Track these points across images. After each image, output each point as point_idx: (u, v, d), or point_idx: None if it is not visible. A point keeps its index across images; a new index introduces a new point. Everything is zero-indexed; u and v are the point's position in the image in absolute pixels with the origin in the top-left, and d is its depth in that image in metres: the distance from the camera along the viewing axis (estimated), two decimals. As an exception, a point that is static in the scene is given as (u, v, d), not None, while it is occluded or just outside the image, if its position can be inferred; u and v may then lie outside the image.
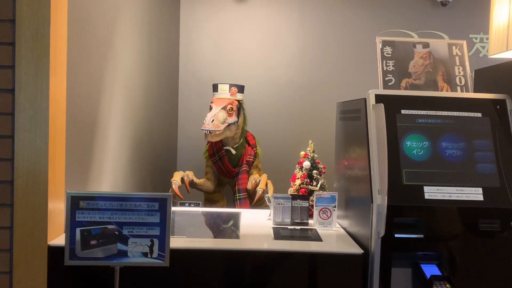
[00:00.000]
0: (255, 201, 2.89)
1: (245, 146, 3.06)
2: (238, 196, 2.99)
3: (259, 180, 2.95)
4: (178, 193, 2.77)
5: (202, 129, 2.74)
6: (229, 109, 2.82)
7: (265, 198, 2.35)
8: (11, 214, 1.67)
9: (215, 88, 2.94)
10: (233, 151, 2.98)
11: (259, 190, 2.85)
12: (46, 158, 1.67)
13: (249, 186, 2.98)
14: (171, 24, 3.68)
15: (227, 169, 3.02)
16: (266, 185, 2.95)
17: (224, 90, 2.90)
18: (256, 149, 3.13)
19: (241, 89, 2.95)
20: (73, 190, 1.62)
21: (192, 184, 2.95)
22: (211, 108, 2.84)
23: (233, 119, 2.85)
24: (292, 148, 3.29)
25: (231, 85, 2.91)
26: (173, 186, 2.77)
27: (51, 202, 1.70)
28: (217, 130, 2.73)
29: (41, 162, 1.67)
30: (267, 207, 2.45)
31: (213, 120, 2.73)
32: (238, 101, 2.91)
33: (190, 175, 2.92)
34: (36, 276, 1.67)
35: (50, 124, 1.68)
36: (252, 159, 3.08)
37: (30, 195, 1.67)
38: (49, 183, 1.68)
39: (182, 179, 2.86)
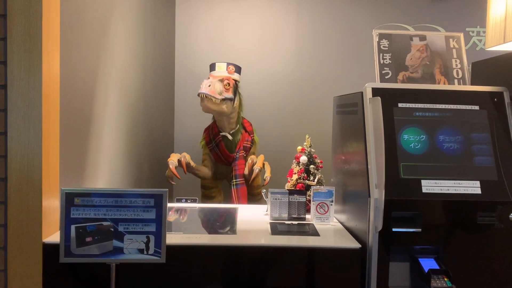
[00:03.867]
0: (251, 179, 2.89)
1: (241, 132, 3.05)
2: (235, 181, 2.98)
3: (256, 160, 2.94)
4: (175, 172, 2.77)
5: (198, 93, 2.73)
6: (226, 84, 2.81)
7: (262, 193, 2.34)
8: (5, 212, 1.65)
9: (212, 67, 2.93)
10: (230, 137, 2.98)
11: (256, 169, 2.86)
12: (39, 154, 1.65)
13: (246, 167, 2.96)
14: (167, 18, 3.65)
15: (224, 155, 3.02)
16: (263, 165, 2.95)
17: (221, 68, 2.90)
18: (253, 136, 3.12)
19: (238, 69, 2.95)
20: (68, 187, 1.60)
21: (188, 166, 2.93)
22: None
23: (229, 94, 2.83)
24: (289, 143, 3.28)
25: (228, 64, 2.91)
26: (170, 166, 2.77)
27: (45, 199, 1.68)
28: (213, 96, 2.71)
29: (34, 158, 1.65)
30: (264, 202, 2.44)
31: (209, 85, 2.72)
32: (235, 80, 2.90)
33: (187, 157, 2.91)
34: (31, 273, 1.66)
35: (44, 120, 1.66)
36: (249, 145, 3.07)
37: (24, 192, 1.65)
38: (43, 180, 1.67)
39: (179, 161, 2.85)
